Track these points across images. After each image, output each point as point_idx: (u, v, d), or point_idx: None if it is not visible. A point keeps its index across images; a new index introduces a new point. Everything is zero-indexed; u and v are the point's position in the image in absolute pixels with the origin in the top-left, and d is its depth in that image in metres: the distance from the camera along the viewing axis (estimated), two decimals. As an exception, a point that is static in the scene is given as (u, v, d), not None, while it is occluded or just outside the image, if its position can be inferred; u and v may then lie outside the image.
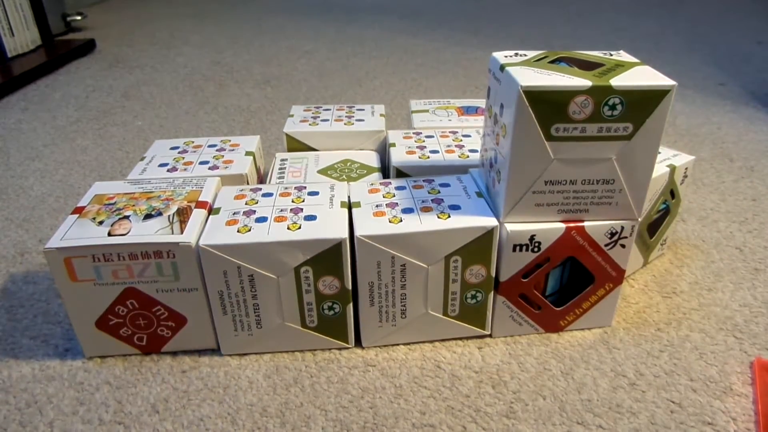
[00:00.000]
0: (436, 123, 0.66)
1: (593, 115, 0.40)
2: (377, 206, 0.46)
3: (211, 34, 1.55)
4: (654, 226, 0.55)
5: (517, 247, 0.44)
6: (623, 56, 0.45)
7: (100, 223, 0.44)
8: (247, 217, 0.45)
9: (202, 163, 0.56)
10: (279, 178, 0.56)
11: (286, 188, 0.49)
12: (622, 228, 0.45)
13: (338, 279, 0.44)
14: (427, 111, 0.69)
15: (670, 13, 1.73)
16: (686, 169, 0.56)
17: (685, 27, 1.56)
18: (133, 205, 0.46)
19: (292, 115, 0.67)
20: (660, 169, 0.53)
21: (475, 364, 0.46)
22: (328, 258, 0.43)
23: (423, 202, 0.46)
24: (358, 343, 0.48)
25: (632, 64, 0.42)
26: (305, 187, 0.49)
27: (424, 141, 0.60)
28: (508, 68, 0.42)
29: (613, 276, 0.47)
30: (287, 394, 0.43)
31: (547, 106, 0.39)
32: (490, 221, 0.43)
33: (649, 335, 0.49)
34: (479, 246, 0.44)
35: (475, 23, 1.64)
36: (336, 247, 0.42)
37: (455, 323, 0.47)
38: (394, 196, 0.47)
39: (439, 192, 0.48)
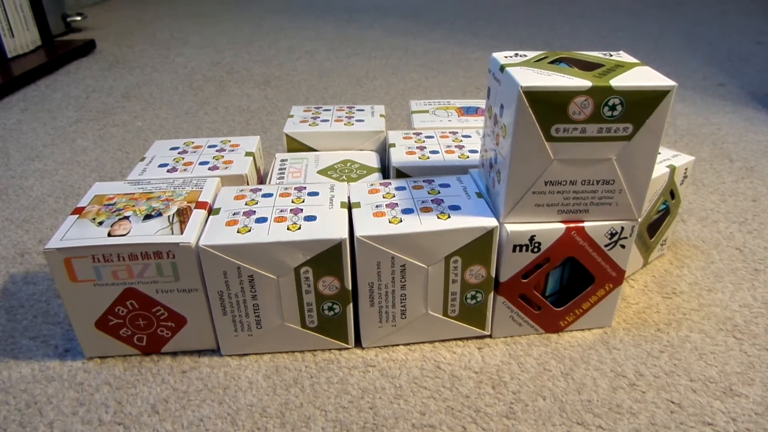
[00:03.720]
0: (436, 123, 0.66)
1: (593, 116, 0.40)
2: (377, 207, 0.46)
3: (211, 34, 1.55)
4: (654, 227, 0.55)
5: (517, 248, 0.44)
6: (623, 57, 0.45)
7: (100, 223, 0.44)
8: (247, 217, 0.45)
9: (202, 163, 0.56)
10: (279, 178, 0.56)
11: (286, 189, 0.49)
12: (622, 228, 0.45)
13: (338, 279, 0.44)
14: (427, 111, 0.69)
15: (669, 14, 1.73)
16: (686, 169, 0.56)
17: (685, 27, 1.56)
18: (133, 206, 0.46)
19: (292, 116, 0.67)
20: (660, 170, 0.53)
21: (475, 364, 0.46)
22: (328, 258, 0.43)
23: (423, 202, 0.46)
24: (358, 343, 0.48)
25: (632, 65, 0.42)
26: (305, 188, 0.49)
27: (424, 141, 0.60)
28: (508, 69, 0.42)
29: (613, 276, 0.47)
30: (287, 394, 0.43)
31: (547, 106, 0.39)
32: (490, 221, 0.43)
33: (649, 336, 0.49)
34: (479, 246, 0.44)
35: (475, 23, 1.64)
36: (336, 247, 0.42)
37: (455, 323, 0.47)
38: (394, 196, 0.47)
39: (439, 192, 0.48)
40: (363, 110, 0.69)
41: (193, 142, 0.61)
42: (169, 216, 0.45)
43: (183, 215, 0.45)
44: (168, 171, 0.55)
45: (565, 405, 0.42)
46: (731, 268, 0.57)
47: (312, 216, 0.45)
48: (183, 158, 0.58)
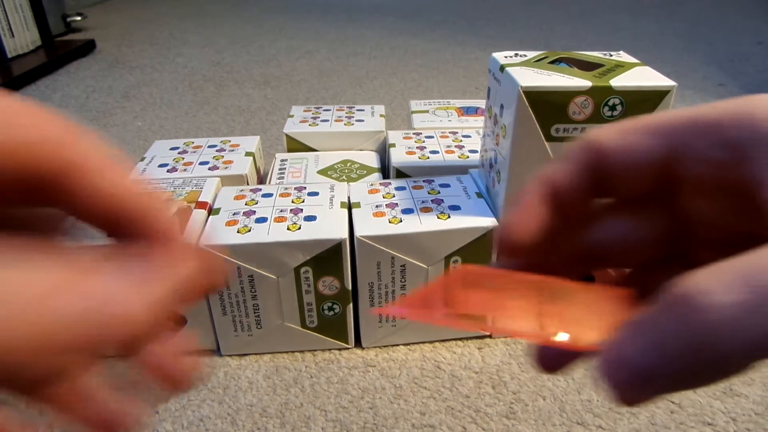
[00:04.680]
0: (436, 123, 0.66)
1: (593, 116, 0.40)
2: (377, 206, 0.46)
3: (211, 34, 1.55)
4: (654, 227, 0.55)
5: (517, 248, 0.44)
6: (623, 56, 0.45)
7: (100, 223, 0.44)
8: (247, 217, 0.45)
9: (202, 163, 0.56)
10: (279, 178, 0.56)
11: (286, 189, 0.49)
12: (622, 228, 0.45)
13: (338, 279, 0.44)
14: (427, 111, 0.69)
15: (669, 13, 1.73)
16: (686, 169, 0.55)
17: (685, 27, 1.56)
18: (133, 206, 0.46)
19: (292, 116, 0.67)
20: (660, 170, 0.53)
21: (475, 364, 0.46)
22: (327, 258, 0.43)
23: (423, 202, 0.46)
24: (358, 343, 0.48)
25: (632, 65, 0.42)
26: (305, 188, 0.49)
27: (424, 141, 0.60)
28: (507, 69, 0.42)
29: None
30: (287, 394, 0.43)
31: (547, 106, 0.39)
32: (490, 221, 0.43)
33: (649, 335, 0.49)
34: (479, 246, 0.44)
35: (475, 23, 1.64)
36: (336, 247, 0.42)
37: (455, 324, 0.47)
38: (394, 196, 0.47)
39: (438, 192, 0.48)
40: (363, 110, 0.69)
41: (193, 142, 0.61)
42: (169, 216, 0.45)
43: (183, 215, 0.45)
44: (168, 171, 0.55)
45: (565, 405, 0.42)
46: (731, 268, 0.57)
47: (312, 216, 0.45)
48: (183, 158, 0.58)
